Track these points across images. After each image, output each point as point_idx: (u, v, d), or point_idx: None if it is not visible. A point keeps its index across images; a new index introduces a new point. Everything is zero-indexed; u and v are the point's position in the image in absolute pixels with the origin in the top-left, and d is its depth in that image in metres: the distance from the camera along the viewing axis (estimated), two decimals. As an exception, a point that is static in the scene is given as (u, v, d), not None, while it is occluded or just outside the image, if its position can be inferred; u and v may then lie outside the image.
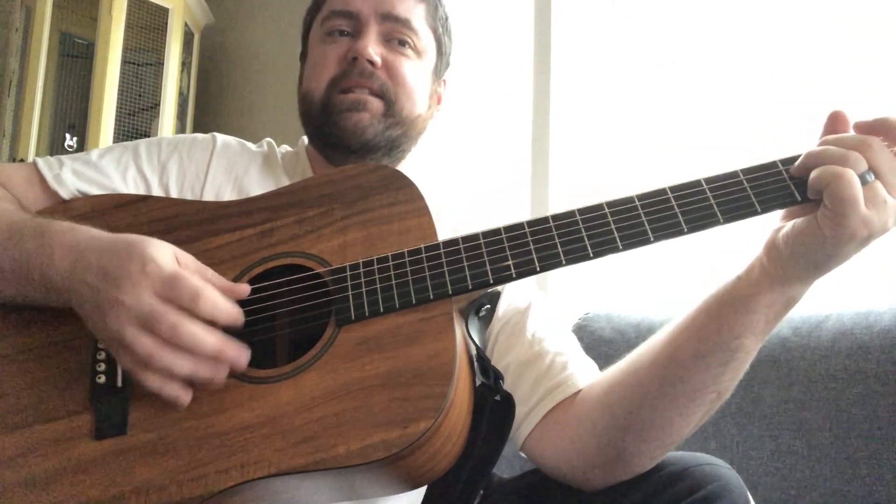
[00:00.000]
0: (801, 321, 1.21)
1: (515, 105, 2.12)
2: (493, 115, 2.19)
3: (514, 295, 0.97)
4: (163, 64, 2.57)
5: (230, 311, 0.69)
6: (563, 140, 1.99)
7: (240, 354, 0.69)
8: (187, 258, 0.72)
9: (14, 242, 0.75)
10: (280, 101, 2.61)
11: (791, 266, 0.68)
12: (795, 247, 0.66)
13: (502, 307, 0.96)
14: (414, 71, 1.01)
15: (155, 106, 2.56)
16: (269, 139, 1.10)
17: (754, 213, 0.67)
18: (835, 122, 0.69)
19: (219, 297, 0.69)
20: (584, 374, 0.88)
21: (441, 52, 1.07)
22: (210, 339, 0.67)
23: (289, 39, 2.70)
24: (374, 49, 0.97)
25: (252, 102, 2.78)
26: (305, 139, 1.09)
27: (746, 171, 0.69)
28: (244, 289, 0.73)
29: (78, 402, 0.72)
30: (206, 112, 2.84)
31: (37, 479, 0.68)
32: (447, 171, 2.17)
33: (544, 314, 0.97)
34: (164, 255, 0.69)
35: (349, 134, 0.97)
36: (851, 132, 0.69)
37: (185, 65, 2.69)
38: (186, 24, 2.66)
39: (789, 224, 0.68)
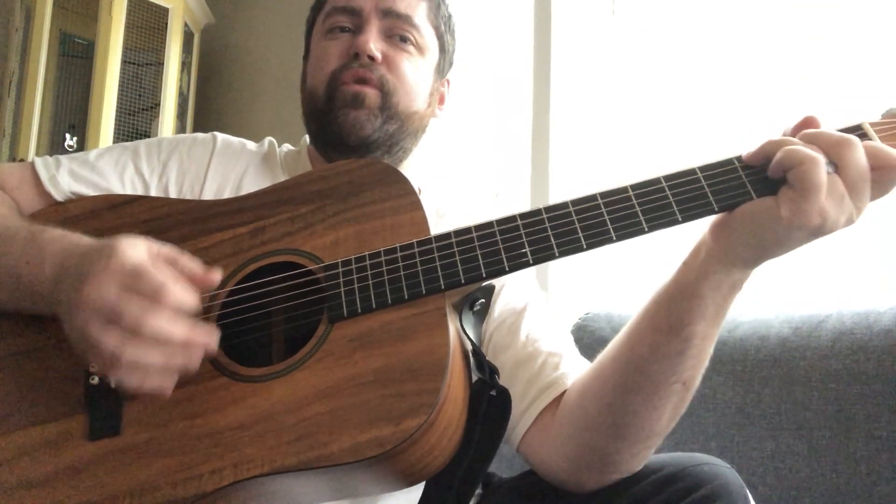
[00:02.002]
0: (801, 321, 1.21)
1: (515, 105, 2.12)
2: (493, 115, 2.18)
3: (511, 295, 0.97)
4: (163, 64, 2.57)
5: (193, 301, 0.67)
6: (563, 139, 1.99)
7: (209, 337, 0.67)
8: (161, 248, 0.70)
9: (5, 250, 0.75)
10: (280, 101, 2.61)
11: (737, 244, 0.68)
12: (747, 223, 0.67)
13: (498, 307, 0.95)
14: (414, 67, 1.01)
15: (155, 106, 2.56)
16: (270, 138, 1.10)
17: (749, 199, 0.67)
18: (807, 124, 0.70)
19: (183, 289, 0.67)
20: (576, 374, 0.88)
21: (444, 49, 1.07)
22: (177, 327, 0.65)
23: (289, 39, 2.70)
24: (374, 44, 0.98)
25: (252, 102, 2.77)
26: (307, 138, 1.09)
27: (739, 160, 0.69)
28: (214, 277, 0.71)
29: (72, 404, 0.72)
30: (206, 112, 2.83)
31: (32, 481, 0.68)
32: (447, 170, 2.17)
33: (540, 315, 0.97)
34: (131, 249, 0.67)
35: (348, 129, 0.97)
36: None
37: (185, 65, 2.69)
38: (186, 24, 2.66)
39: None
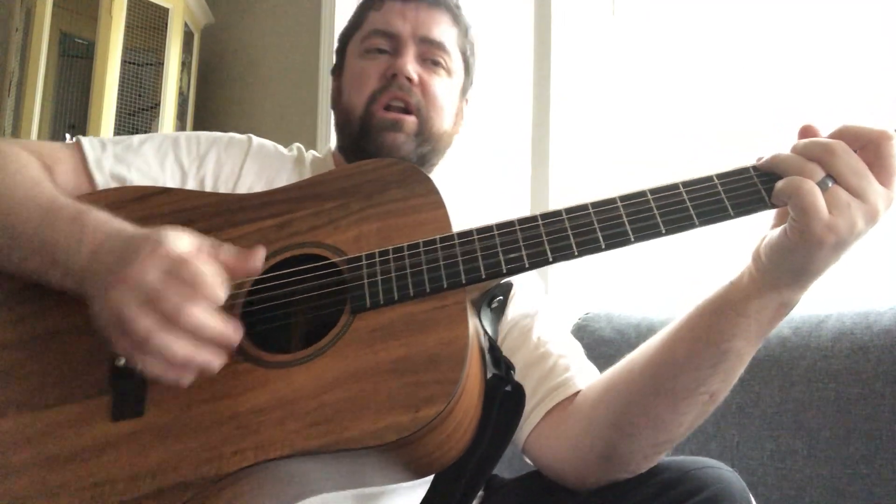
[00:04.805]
0: (801, 321, 1.21)
1: (515, 104, 2.12)
2: (494, 115, 2.18)
3: (523, 300, 0.99)
4: (163, 64, 2.57)
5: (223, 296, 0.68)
6: (563, 139, 1.99)
7: (238, 334, 0.68)
8: (203, 242, 0.72)
9: (50, 221, 0.76)
10: (280, 101, 2.61)
11: (774, 273, 0.70)
12: (773, 255, 0.69)
13: (511, 311, 0.97)
14: (445, 89, 1.08)
15: (155, 106, 2.56)
16: (298, 144, 1.15)
17: (764, 207, 0.69)
18: (805, 135, 0.71)
19: (220, 283, 0.68)
20: (585, 377, 0.90)
21: (468, 72, 1.15)
22: (213, 320, 0.66)
23: (289, 39, 2.70)
24: (412, 67, 1.04)
25: (252, 102, 2.78)
26: (331, 146, 1.15)
27: (755, 168, 0.71)
28: (259, 253, 0.73)
29: (97, 385, 0.73)
30: (206, 112, 2.84)
31: (56, 458, 0.70)
32: (447, 170, 2.17)
33: (551, 320, 1.00)
34: (178, 239, 0.69)
35: (385, 151, 1.01)
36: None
37: (185, 65, 2.69)
38: (186, 24, 2.67)
39: (768, 233, 0.70)
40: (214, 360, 0.68)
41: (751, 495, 0.76)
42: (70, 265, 0.73)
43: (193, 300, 0.66)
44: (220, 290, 0.68)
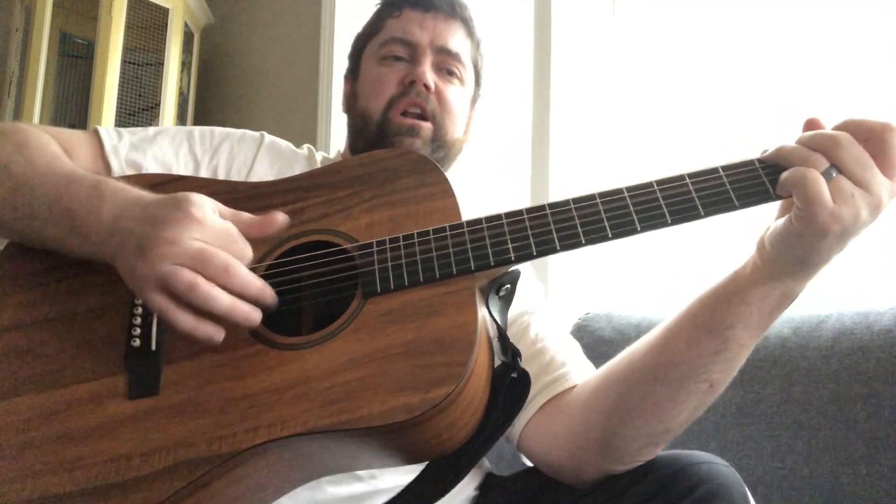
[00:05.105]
0: (801, 321, 1.21)
1: (515, 105, 2.12)
2: (494, 115, 2.18)
3: (521, 300, 0.99)
4: (163, 64, 2.57)
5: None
6: (563, 139, 1.99)
7: (273, 300, 0.72)
8: (223, 208, 0.75)
9: (69, 190, 0.78)
10: (280, 101, 2.61)
11: (777, 262, 0.71)
12: (777, 244, 0.70)
13: (510, 309, 0.97)
14: (458, 98, 1.12)
15: (155, 106, 2.56)
16: (308, 145, 1.18)
17: (768, 198, 0.70)
18: (811, 128, 0.71)
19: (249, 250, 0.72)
20: (583, 373, 0.91)
21: (478, 83, 1.19)
22: (257, 281, 0.70)
23: (289, 39, 2.70)
24: (429, 76, 1.08)
25: (252, 102, 2.78)
26: (341, 148, 1.18)
27: (760, 161, 0.71)
28: (279, 217, 0.75)
29: (113, 364, 0.75)
30: (206, 112, 2.84)
31: (72, 435, 0.71)
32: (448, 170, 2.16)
33: (548, 318, 1.02)
34: (209, 206, 0.72)
35: None
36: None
37: (185, 65, 2.69)
38: (186, 24, 2.67)
39: (772, 223, 0.71)
40: (250, 318, 0.69)
41: (747, 490, 0.76)
42: (89, 231, 0.75)
43: (238, 263, 0.69)
44: (249, 251, 0.72)
